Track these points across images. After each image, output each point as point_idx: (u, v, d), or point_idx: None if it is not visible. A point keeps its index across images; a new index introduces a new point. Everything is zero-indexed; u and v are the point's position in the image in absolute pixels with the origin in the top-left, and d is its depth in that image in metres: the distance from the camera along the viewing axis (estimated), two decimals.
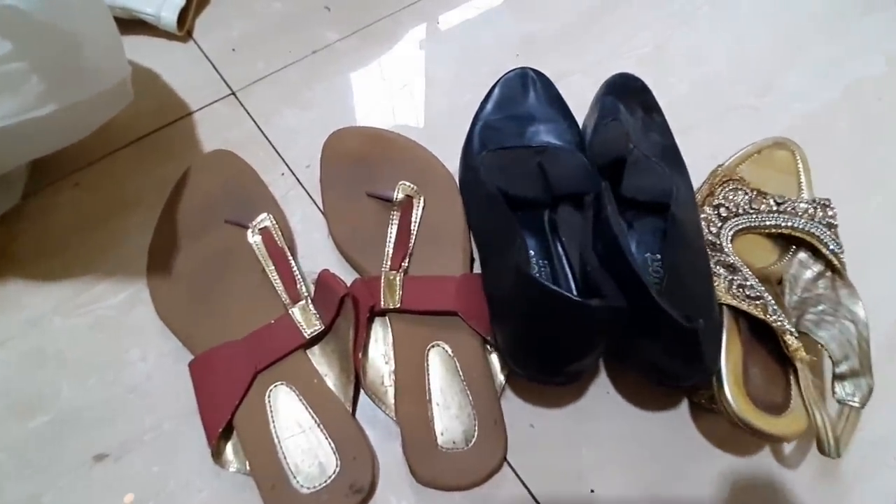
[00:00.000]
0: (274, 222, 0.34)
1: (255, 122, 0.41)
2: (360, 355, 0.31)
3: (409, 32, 0.47)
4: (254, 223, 0.34)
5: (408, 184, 0.36)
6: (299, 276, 0.33)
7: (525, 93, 0.41)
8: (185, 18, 0.44)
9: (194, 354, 0.31)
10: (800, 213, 0.38)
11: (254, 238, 0.33)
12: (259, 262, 0.33)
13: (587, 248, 0.29)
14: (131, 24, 0.43)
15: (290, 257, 0.33)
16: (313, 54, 0.45)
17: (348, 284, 0.33)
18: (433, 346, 0.33)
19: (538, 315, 0.25)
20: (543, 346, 0.26)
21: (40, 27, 0.26)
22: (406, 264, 0.34)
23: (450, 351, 0.33)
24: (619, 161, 0.36)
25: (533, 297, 0.25)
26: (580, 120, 0.42)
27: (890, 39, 0.51)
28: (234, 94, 0.42)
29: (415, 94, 0.44)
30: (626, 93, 0.41)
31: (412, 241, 0.35)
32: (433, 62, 0.46)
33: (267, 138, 0.41)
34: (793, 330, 0.31)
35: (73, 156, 0.38)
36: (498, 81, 0.41)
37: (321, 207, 0.38)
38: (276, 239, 0.33)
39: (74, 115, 0.32)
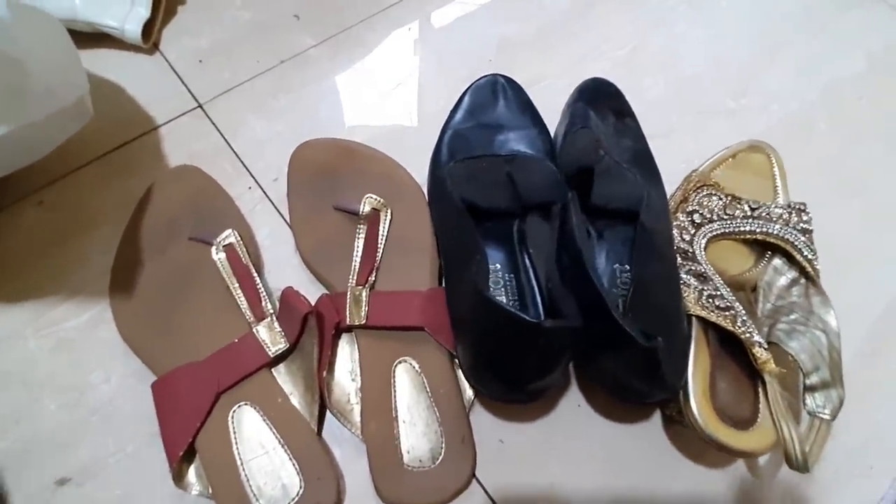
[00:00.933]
0: (238, 238, 0.33)
1: (221, 134, 0.41)
2: (324, 374, 0.31)
3: (380, 39, 0.46)
4: (218, 240, 0.33)
5: (374, 197, 0.36)
6: (264, 294, 0.32)
7: (495, 100, 0.40)
8: (151, 30, 0.43)
9: (157, 375, 0.31)
10: (774, 219, 0.38)
11: (218, 255, 0.33)
12: (223, 279, 0.32)
13: (551, 262, 0.29)
14: (95, 38, 0.43)
15: (255, 274, 0.32)
16: (282, 64, 0.44)
17: (315, 300, 0.33)
18: (400, 362, 0.32)
19: (496, 335, 0.25)
20: (503, 365, 0.26)
21: None
22: (373, 278, 0.34)
23: (417, 367, 0.32)
24: (588, 169, 0.35)
25: (490, 318, 0.24)
26: (554, 126, 0.41)
27: (869, 37, 0.51)
28: (200, 106, 0.41)
29: (385, 102, 0.44)
30: (598, 98, 0.40)
31: (379, 254, 0.34)
32: (405, 69, 0.45)
33: (234, 151, 0.40)
34: (762, 341, 0.30)
35: (36, 174, 0.37)
36: (468, 89, 0.40)
37: (288, 221, 0.38)
38: (241, 256, 0.33)
39: (30, 136, 0.31)
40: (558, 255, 0.30)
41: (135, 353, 0.32)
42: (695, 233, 0.37)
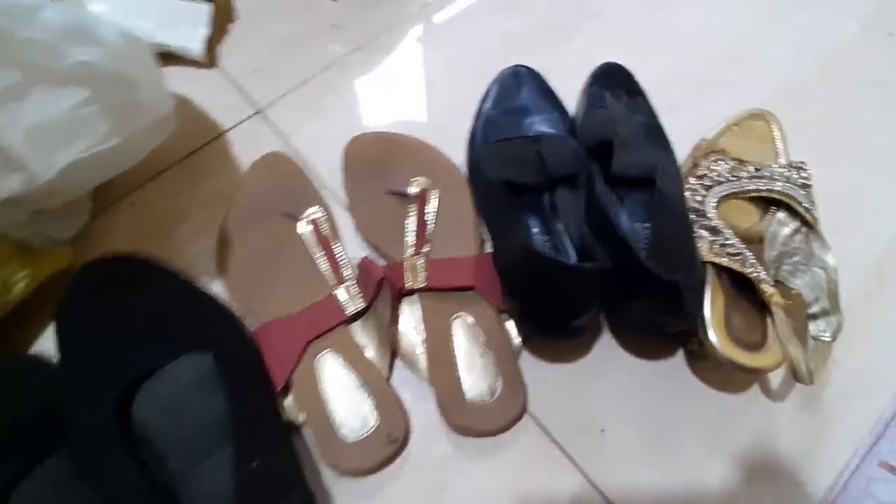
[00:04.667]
0: (322, 214, 0.39)
1: (280, 136, 0.46)
2: (395, 328, 0.37)
3: (409, 41, 0.52)
4: (304, 215, 0.39)
5: (421, 179, 0.41)
6: (344, 262, 0.38)
7: (519, 88, 0.45)
8: (210, 47, 0.49)
9: (256, 326, 0.37)
10: (776, 177, 0.42)
11: (304, 228, 0.39)
12: (309, 249, 0.38)
13: (581, 222, 0.34)
14: (163, 56, 0.48)
15: (336, 245, 0.38)
16: (325, 70, 0.50)
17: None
18: (456, 318, 0.38)
19: (543, 282, 0.30)
20: (549, 308, 0.31)
21: (108, 75, 0.31)
22: (426, 249, 0.39)
23: (470, 321, 0.38)
24: (607, 144, 0.40)
25: (537, 267, 0.29)
26: (572, 109, 0.46)
27: (859, 3, 0.55)
28: (259, 112, 0.47)
29: (419, 96, 0.49)
30: (612, 80, 0.45)
31: (429, 228, 0.40)
32: (432, 66, 0.51)
33: (293, 151, 0.46)
34: (769, 280, 0.35)
35: (126, 179, 0.43)
36: (495, 80, 0.46)
37: (346, 207, 0.43)
38: (324, 229, 0.39)
39: (131, 145, 0.37)
40: (587, 217, 0.35)
41: (240, 308, 0.37)
42: (706, 194, 0.42)
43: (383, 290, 0.37)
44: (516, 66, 0.46)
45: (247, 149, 0.46)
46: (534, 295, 0.31)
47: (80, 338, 0.35)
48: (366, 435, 0.34)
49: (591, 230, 0.34)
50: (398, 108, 0.48)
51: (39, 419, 0.33)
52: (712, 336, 0.32)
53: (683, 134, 0.45)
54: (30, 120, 0.28)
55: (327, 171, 0.44)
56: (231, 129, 0.47)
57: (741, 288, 0.36)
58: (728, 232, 0.38)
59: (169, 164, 0.45)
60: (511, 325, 0.38)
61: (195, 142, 0.46)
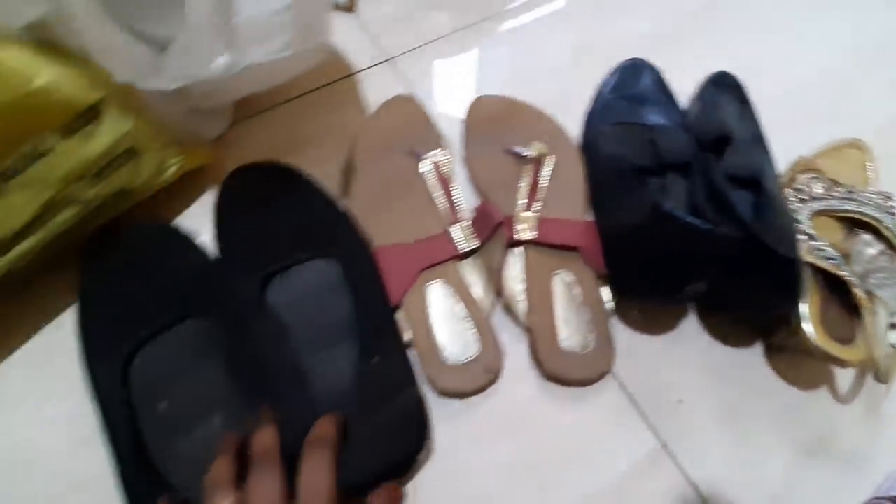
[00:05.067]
0: (444, 158, 0.42)
1: (405, 85, 0.49)
2: (503, 272, 0.39)
3: (541, 18, 0.55)
4: (427, 156, 0.42)
5: (539, 144, 0.44)
6: (460, 203, 0.41)
7: (638, 79, 0.48)
8: None
9: (375, 246, 0.39)
10: (867, 202, 0.45)
11: (426, 167, 0.42)
12: (428, 187, 0.41)
13: (687, 208, 0.36)
14: None
15: (454, 187, 0.41)
16: (454, 32, 0.53)
17: None
18: (557, 274, 0.40)
19: (670, 242, 0.32)
20: (669, 269, 0.33)
21: None
22: (536, 207, 0.42)
23: (570, 279, 0.40)
24: (721, 141, 0.43)
25: (667, 227, 0.32)
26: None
27: None
28: (389, 60, 0.50)
29: (539, 72, 0.52)
30: (726, 87, 0.48)
31: (541, 190, 0.43)
32: (557, 46, 0.53)
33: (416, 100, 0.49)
34: (860, 285, 0.37)
35: (265, 97, 0.46)
36: (615, 68, 0.49)
37: (462, 159, 0.46)
38: (445, 171, 0.41)
39: (291, 63, 0.40)
40: (703, 200, 0.37)
41: (361, 226, 0.40)
42: (801, 206, 0.44)
43: (499, 233, 0.39)
44: (638, 58, 0.49)
45: (373, 91, 0.49)
46: (655, 256, 0.34)
47: (234, 226, 0.38)
48: (465, 361, 0.37)
49: (704, 213, 0.36)
50: (518, 79, 0.51)
51: (183, 286, 0.36)
52: (808, 328, 0.35)
53: (781, 151, 0.47)
54: (247, 12, 0.31)
55: (444, 124, 0.47)
56: (361, 71, 0.50)
57: (832, 290, 0.39)
58: (822, 240, 0.41)
59: (302, 92, 0.48)
60: (605, 291, 0.41)
61: (328, 76, 0.49)
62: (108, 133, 0.33)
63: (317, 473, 0.27)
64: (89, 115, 0.32)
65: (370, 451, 0.31)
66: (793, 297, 0.34)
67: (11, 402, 0.36)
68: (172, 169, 0.39)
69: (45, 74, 0.30)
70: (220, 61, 0.31)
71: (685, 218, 0.30)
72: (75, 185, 0.33)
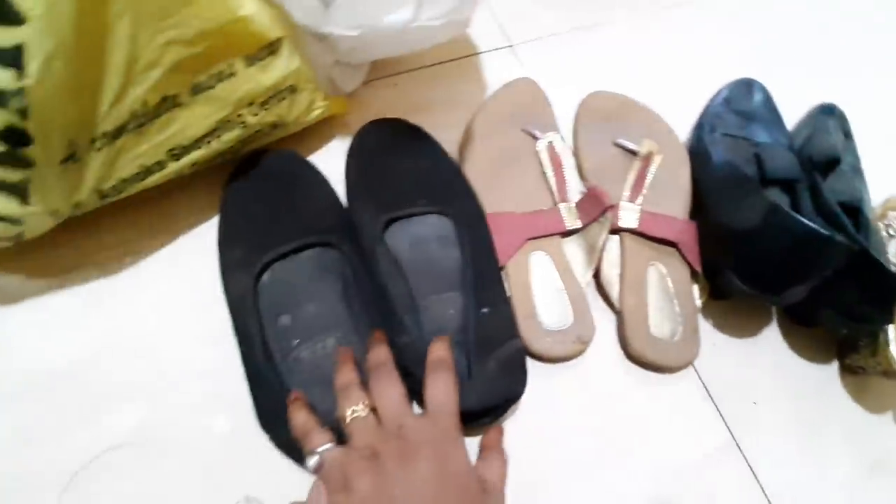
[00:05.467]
0: (559, 141, 0.45)
1: (524, 71, 0.52)
2: (602, 253, 0.41)
3: (661, 26, 0.58)
4: (544, 136, 0.45)
5: (650, 141, 0.46)
6: (570, 185, 0.43)
7: (750, 96, 0.50)
8: None
9: (487, 210, 0.42)
10: None
11: (542, 147, 0.44)
12: (541, 165, 0.44)
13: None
14: None
15: (568, 168, 0.43)
16: (575, 30, 0.56)
17: None
18: (652, 265, 0.42)
19: (785, 244, 0.34)
20: (776, 270, 0.35)
21: None
22: (640, 200, 0.44)
23: (664, 271, 0.42)
24: (827, 165, 0.44)
25: (785, 229, 0.34)
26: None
27: None
28: (511, 47, 0.54)
29: (652, 75, 0.54)
30: (834, 117, 0.50)
31: (646, 184, 0.45)
32: (671, 53, 0.56)
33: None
34: None
35: (398, 62, 0.50)
36: (728, 84, 0.51)
37: (570, 147, 0.48)
38: (559, 152, 0.44)
39: (440, 31, 0.43)
40: (808, 216, 0.39)
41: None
42: (887, 239, 0.45)
43: (605, 218, 0.42)
44: (749, 78, 0.51)
45: (493, 72, 0.52)
46: (766, 256, 0.35)
47: (365, 171, 0.42)
48: (560, 328, 0.39)
49: None
50: (630, 81, 0.52)
51: (314, 214, 0.39)
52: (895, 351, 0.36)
53: (873, 186, 0.48)
54: None
55: (557, 114, 0.50)
56: (484, 52, 0.53)
57: None
58: None
59: (430, 63, 0.51)
60: (695, 288, 0.43)
61: (454, 53, 0.52)
62: (280, 68, 0.37)
63: (445, 389, 0.30)
64: (270, 49, 0.36)
65: (480, 387, 0.33)
66: (888, 315, 0.35)
67: (149, 294, 0.39)
68: (318, 111, 0.42)
69: (247, 7, 0.34)
70: (399, 15, 0.34)
71: (806, 221, 0.32)
72: (245, 109, 0.37)
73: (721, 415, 0.40)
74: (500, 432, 0.32)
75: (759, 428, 0.40)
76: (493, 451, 0.31)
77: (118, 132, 0.32)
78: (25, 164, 0.29)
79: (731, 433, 0.39)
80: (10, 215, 0.31)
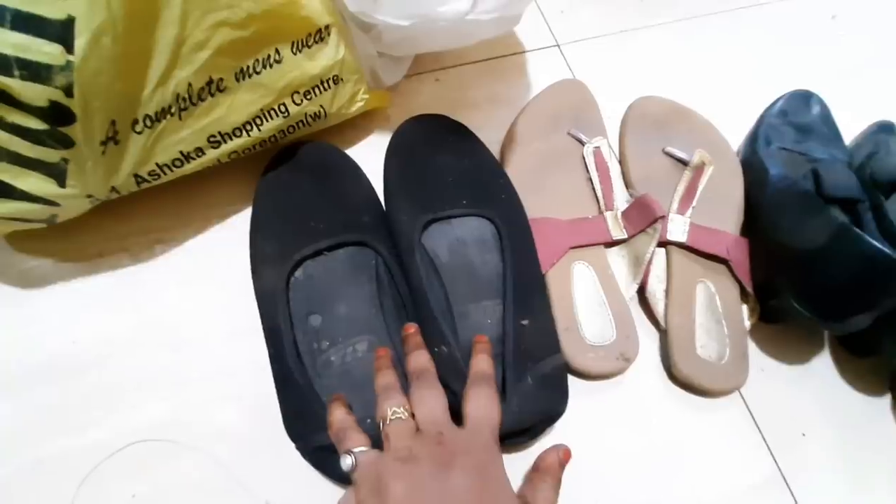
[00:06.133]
0: (608, 146, 0.43)
1: (570, 72, 0.51)
2: (649, 266, 0.39)
3: (709, 31, 0.55)
4: (591, 141, 0.43)
5: (703, 151, 0.44)
6: (617, 193, 0.41)
7: (808, 109, 0.47)
8: None
9: (529, 214, 0.40)
10: None
11: (588, 152, 0.42)
12: (587, 170, 0.42)
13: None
14: None
15: (615, 175, 0.41)
16: (622, 32, 0.54)
17: None
18: (701, 282, 0.40)
19: (853, 267, 0.32)
20: (841, 295, 0.33)
21: None
22: (689, 213, 0.42)
23: (713, 289, 0.40)
24: (891, 185, 0.42)
25: (854, 251, 0.32)
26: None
27: None
28: (557, 46, 0.52)
29: (702, 81, 0.51)
30: (894, 135, 0.47)
31: (696, 197, 0.43)
32: (722, 60, 0.54)
33: None
34: None
35: (440, 57, 0.49)
36: (785, 95, 0.48)
37: (616, 154, 0.46)
38: (606, 158, 0.42)
39: (488, 26, 0.41)
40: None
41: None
42: None
43: (652, 229, 0.40)
44: (808, 90, 0.48)
45: (539, 72, 0.50)
46: (830, 279, 0.33)
47: (405, 168, 0.40)
48: (602, 344, 0.37)
49: None
50: (681, 86, 0.50)
51: (352, 211, 0.38)
52: None
53: None
54: None
55: (605, 116, 0.48)
56: (530, 51, 0.51)
57: None
58: None
59: (475, 60, 0.50)
60: (745, 309, 0.41)
61: (499, 50, 0.51)
62: (327, 56, 0.36)
63: (486, 403, 0.28)
64: (318, 37, 0.35)
65: (517, 405, 0.31)
66: None
67: (178, 284, 0.38)
68: (360, 104, 0.41)
69: None
70: (454, 6, 0.33)
71: (879, 245, 0.30)
72: (288, 97, 0.36)
73: (767, 445, 0.38)
74: (564, 457, 0.30)
75: (808, 462, 0.37)
76: (548, 476, 0.29)
77: (160, 115, 0.31)
78: (66, 143, 0.28)
79: (778, 466, 0.37)
80: (46, 196, 0.30)
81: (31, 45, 0.25)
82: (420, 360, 0.31)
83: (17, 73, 0.25)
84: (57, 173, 0.29)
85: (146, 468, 0.33)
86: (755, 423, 0.38)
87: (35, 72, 0.25)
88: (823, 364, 0.41)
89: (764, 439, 0.38)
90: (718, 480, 0.36)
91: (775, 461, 0.37)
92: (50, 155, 0.29)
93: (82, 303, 0.37)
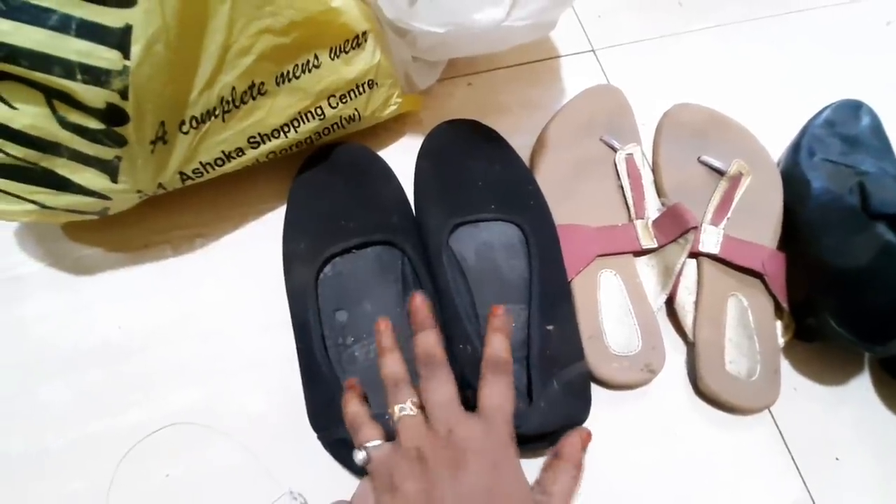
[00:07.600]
0: (641, 153, 0.42)
1: (605, 78, 0.50)
2: (679, 277, 0.39)
3: (749, 39, 0.54)
4: (624, 148, 0.42)
5: (741, 161, 0.43)
6: (649, 201, 0.41)
7: (855, 120, 0.45)
8: None
9: (557, 220, 0.40)
10: None
11: (621, 159, 0.42)
12: (618, 178, 0.42)
13: None
14: None
15: (647, 183, 0.41)
16: (660, 38, 0.53)
17: None
18: (733, 295, 0.39)
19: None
20: (887, 315, 0.32)
21: None
22: (723, 224, 0.41)
23: (745, 303, 0.39)
24: None
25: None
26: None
27: None
28: (593, 51, 0.51)
29: (740, 88, 0.50)
30: None
31: (731, 208, 0.42)
32: (766, 68, 0.52)
33: None
34: None
35: (472, 62, 0.49)
36: (832, 104, 0.46)
37: (649, 161, 0.46)
38: (639, 165, 0.42)
39: (522, 32, 0.41)
40: None
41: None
42: None
43: (683, 239, 0.39)
44: (858, 100, 0.46)
45: (573, 76, 0.50)
46: (875, 299, 0.32)
47: (435, 171, 0.41)
48: (627, 354, 0.37)
49: None
50: (719, 94, 0.49)
51: (382, 212, 0.39)
52: None
53: None
54: None
55: (639, 123, 0.47)
56: (564, 56, 0.51)
57: None
58: None
59: (508, 64, 0.50)
60: (778, 325, 0.40)
61: (533, 54, 0.51)
62: (363, 61, 0.37)
63: (502, 391, 0.28)
64: (356, 42, 0.36)
65: (540, 409, 0.31)
66: None
67: (216, 276, 0.40)
68: (393, 107, 0.42)
69: None
70: (490, 14, 0.33)
71: None
72: (324, 101, 0.37)
73: (798, 468, 0.36)
74: (585, 440, 0.29)
75: (841, 488, 0.36)
76: (567, 461, 0.28)
77: (205, 117, 0.33)
78: (120, 142, 0.30)
79: (809, 490, 0.36)
80: (100, 190, 0.32)
81: (93, 51, 0.27)
82: (428, 341, 0.29)
83: (79, 77, 0.27)
84: (110, 169, 0.31)
85: (180, 450, 0.35)
86: (785, 444, 0.37)
87: (95, 76, 0.27)
88: (862, 386, 0.39)
89: (794, 461, 0.37)
90: (743, 502, 0.36)
91: (805, 485, 0.36)
92: (105, 152, 0.31)
93: (128, 291, 0.39)
